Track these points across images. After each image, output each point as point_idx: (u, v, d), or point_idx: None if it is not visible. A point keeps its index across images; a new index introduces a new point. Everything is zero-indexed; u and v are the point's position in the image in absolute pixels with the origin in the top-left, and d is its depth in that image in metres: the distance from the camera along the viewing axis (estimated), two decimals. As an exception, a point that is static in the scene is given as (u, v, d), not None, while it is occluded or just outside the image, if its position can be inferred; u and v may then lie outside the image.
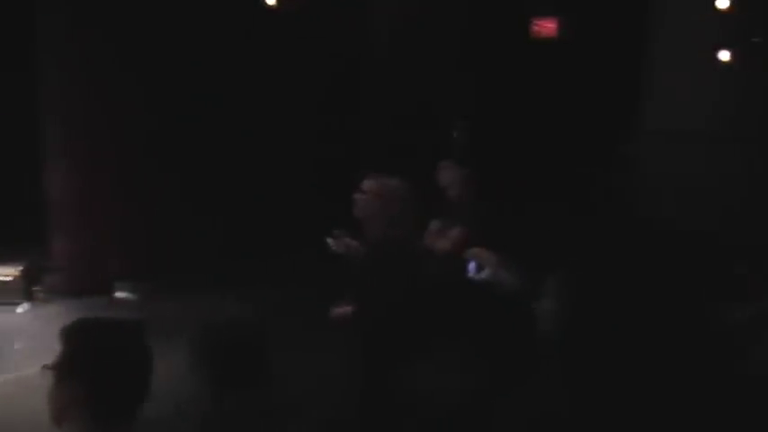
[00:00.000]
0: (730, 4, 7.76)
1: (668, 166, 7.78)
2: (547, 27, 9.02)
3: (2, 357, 5.60)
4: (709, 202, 7.02)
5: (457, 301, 3.36)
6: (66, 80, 6.98)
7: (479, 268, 3.51)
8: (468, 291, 3.37)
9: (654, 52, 8.51)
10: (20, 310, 6.75)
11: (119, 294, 7.01)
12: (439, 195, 6.21)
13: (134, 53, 6.99)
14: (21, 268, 6.91)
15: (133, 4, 6.96)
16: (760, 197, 5.87)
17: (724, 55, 7.89)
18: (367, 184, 3.65)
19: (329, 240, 3.97)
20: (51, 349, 2.09)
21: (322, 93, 8.23)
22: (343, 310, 3.73)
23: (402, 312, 3.42)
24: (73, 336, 2.09)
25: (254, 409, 2.57)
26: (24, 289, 6.87)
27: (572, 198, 7.15)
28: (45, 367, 2.07)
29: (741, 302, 4.09)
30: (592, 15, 8.54)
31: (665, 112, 8.19)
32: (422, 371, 3.44)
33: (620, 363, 3.17)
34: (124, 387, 2.07)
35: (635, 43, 8.61)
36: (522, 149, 8.14)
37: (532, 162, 8.04)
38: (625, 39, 8.57)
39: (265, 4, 7.56)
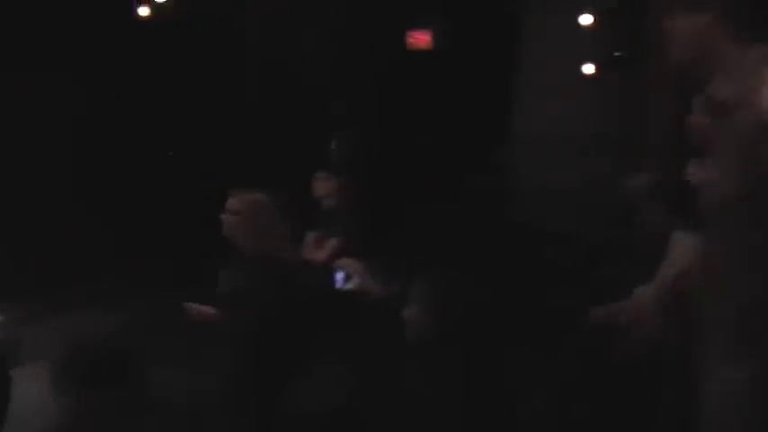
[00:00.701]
0: (594, 21, 8.11)
1: (538, 172, 8.07)
2: (421, 39, 9.20)
3: None
4: (576, 204, 7.32)
5: (324, 313, 3.42)
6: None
7: (347, 278, 3.58)
8: (334, 302, 3.43)
9: (525, 64, 8.81)
10: None
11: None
12: (315, 206, 6.27)
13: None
14: None
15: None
16: (622, 199, 6.16)
17: (589, 68, 8.23)
18: (230, 202, 3.68)
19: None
20: None
21: (199, 102, 8.18)
22: (204, 309, 3.69)
23: (273, 325, 3.45)
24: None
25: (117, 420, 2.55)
26: None
27: (446, 204, 7.32)
28: None
29: (606, 302, 4.28)
30: (465, 28, 8.77)
31: (535, 120, 8.50)
32: (295, 380, 3.49)
33: (484, 365, 3.29)
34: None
35: (507, 55, 8.89)
36: (401, 158, 8.28)
37: (410, 170, 8.18)
38: (497, 51, 8.84)
39: (138, 15, 7.48)
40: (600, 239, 5.93)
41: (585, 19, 8.23)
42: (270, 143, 8.27)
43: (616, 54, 7.94)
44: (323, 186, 6.20)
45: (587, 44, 8.07)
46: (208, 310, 3.66)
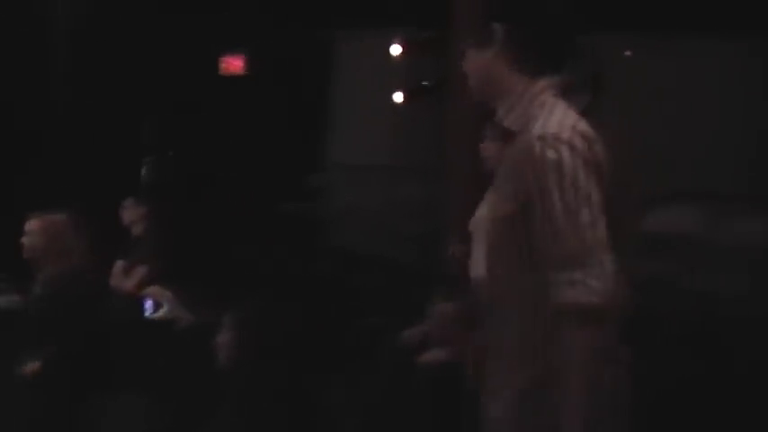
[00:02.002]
0: (403, 51, 8.40)
1: (351, 197, 8.23)
2: (234, 64, 9.18)
3: None
4: (388, 229, 7.53)
5: (130, 342, 3.35)
6: None
7: (157, 306, 3.52)
8: (143, 331, 3.37)
9: (337, 91, 8.98)
10: None
11: None
12: (124, 233, 6.12)
13: None
14: None
15: None
16: (433, 224, 6.41)
17: (398, 96, 8.50)
18: (29, 224, 3.59)
19: None
20: None
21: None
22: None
23: (79, 352, 3.35)
24: None
25: None
26: None
27: (260, 230, 7.32)
28: None
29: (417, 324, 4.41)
30: (279, 54, 8.84)
31: (347, 146, 8.68)
32: (105, 409, 3.39)
33: (294, 389, 3.33)
34: None
35: (320, 82, 9.03)
36: (212, 184, 8.20)
37: (223, 196, 8.12)
38: (311, 77, 8.96)
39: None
40: (409, 262, 6.14)
41: (395, 49, 8.51)
42: (78, 166, 7.94)
43: (424, 83, 8.24)
44: (131, 213, 6.06)
45: (397, 73, 8.34)
46: None
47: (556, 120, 1.99)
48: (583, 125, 2.02)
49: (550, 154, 1.94)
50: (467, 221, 4.28)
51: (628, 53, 7.79)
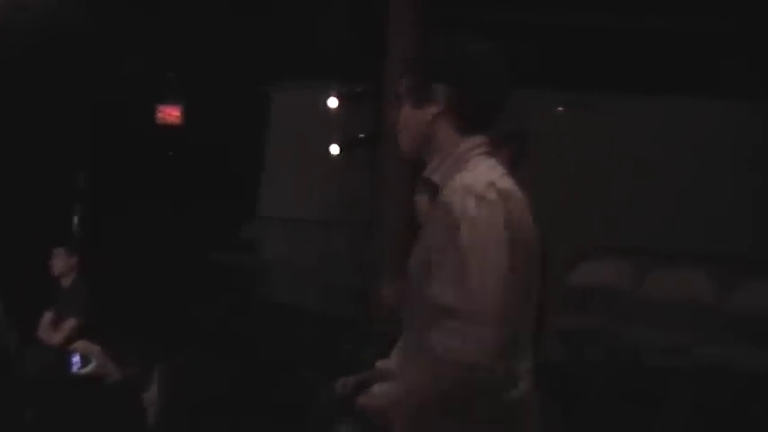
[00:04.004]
0: (340, 104, 8.49)
1: (283, 251, 8.22)
2: (171, 114, 9.16)
3: None
4: (318, 282, 7.52)
5: (58, 398, 3.28)
6: None
7: (84, 361, 3.46)
8: (69, 387, 3.31)
9: (273, 142, 9.02)
10: None
11: None
12: (53, 284, 6.00)
13: None
14: None
15: None
16: (366, 278, 6.43)
17: (334, 149, 8.57)
18: None
19: None
20: None
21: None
22: None
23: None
24: None
25: None
26: None
27: (189, 282, 7.25)
28: None
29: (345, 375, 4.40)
30: (216, 105, 8.85)
31: (280, 199, 8.69)
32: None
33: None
34: None
35: (255, 134, 9.06)
36: (144, 234, 8.11)
37: (155, 247, 8.04)
38: (246, 130, 8.99)
39: None
40: (342, 315, 6.14)
41: (332, 101, 8.60)
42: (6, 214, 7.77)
43: (359, 135, 8.32)
44: (61, 263, 5.94)
45: (332, 125, 8.42)
46: None
47: (473, 175, 2.00)
48: (504, 182, 2.02)
49: (457, 205, 1.94)
50: (399, 275, 4.32)
51: (560, 109, 8.00)
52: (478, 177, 1.99)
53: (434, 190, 2.09)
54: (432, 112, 2.06)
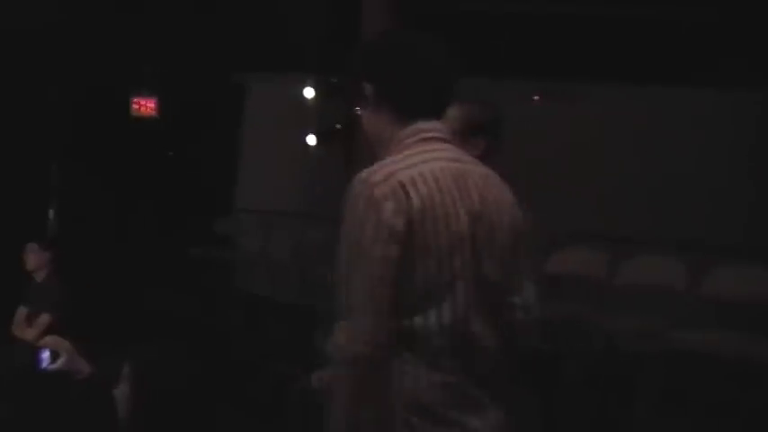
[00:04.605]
0: (315, 96, 8.48)
1: (259, 243, 8.21)
2: (147, 106, 9.12)
3: None
4: (294, 276, 7.52)
5: (28, 395, 3.27)
6: None
7: (54, 357, 3.44)
8: (39, 383, 3.29)
9: (249, 135, 9.00)
10: None
11: None
12: (27, 280, 5.98)
13: None
14: None
15: None
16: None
17: (311, 139, 8.56)
18: None
19: None
20: None
21: None
22: None
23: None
24: None
25: None
26: None
27: (165, 276, 7.24)
28: None
29: (319, 370, 4.41)
30: (191, 98, 8.82)
31: (257, 192, 8.68)
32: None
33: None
34: None
35: (232, 125, 9.04)
36: (119, 228, 8.08)
37: (130, 241, 8.01)
38: (223, 121, 8.97)
39: None
40: (317, 308, 6.15)
41: (308, 92, 8.59)
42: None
43: (336, 126, 8.32)
44: (35, 259, 5.92)
45: (308, 117, 8.41)
46: None
47: (377, 165, 1.99)
48: (418, 171, 1.97)
49: (349, 198, 1.95)
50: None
51: (536, 98, 8.03)
52: (380, 168, 1.98)
53: None
54: (371, 110, 2.09)
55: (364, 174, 1.97)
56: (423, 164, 2.00)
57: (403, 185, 1.95)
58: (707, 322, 5.46)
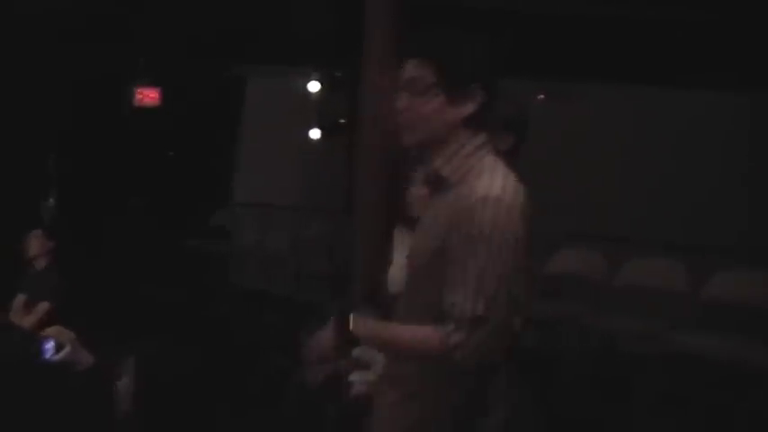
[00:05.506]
0: (321, 88, 8.46)
1: (256, 237, 8.21)
2: (149, 96, 9.11)
3: None
4: (289, 269, 7.53)
5: (29, 385, 3.26)
6: None
7: (58, 347, 3.43)
8: (41, 373, 3.28)
9: (250, 127, 8.98)
10: None
11: None
12: (28, 266, 5.97)
13: None
14: None
15: None
16: (339, 266, 6.43)
17: (315, 133, 8.55)
18: None
19: None
20: None
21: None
22: None
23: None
24: None
25: None
26: None
27: (165, 267, 7.23)
28: None
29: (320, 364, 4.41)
30: (194, 89, 8.81)
31: (254, 185, 8.67)
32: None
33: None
34: None
35: (233, 118, 9.03)
36: (119, 220, 8.07)
37: (127, 231, 8.00)
38: (224, 113, 8.96)
39: None
40: (313, 301, 6.16)
41: (312, 86, 8.57)
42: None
43: (340, 120, 8.30)
44: (38, 245, 5.91)
45: (311, 111, 8.39)
46: None
47: (496, 182, 2.03)
48: (517, 183, 2.07)
49: (488, 216, 1.98)
50: (373, 261, 4.31)
51: (541, 96, 8.02)
52: (504, 185, 2.04)
53: (441, 184, 2.10)
54: (441, 102, 2.05)
55: (494, 191, 2.01)
56: (516, 183, 2.08)
57: (523, 202, 2.05)
58: (706, 325, 5.47)
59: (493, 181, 2.03)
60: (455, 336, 1.97)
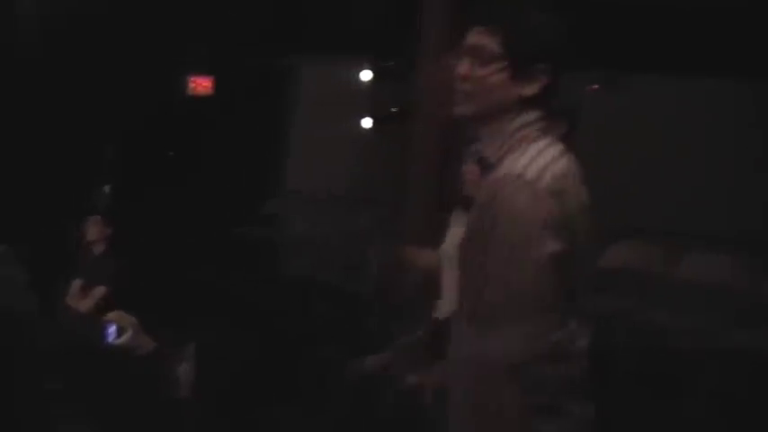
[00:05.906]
0: (373, 77, 8.43)
1: (305, 226, 8.23)
2: (203, 85, 9.18)
3: None
4: (339, 259, 7.53)
5: (94, 368, 3.32)
6: None
7: (120, 332, 3.49)
8: (105, 357, 3.34)
9: (302, 116, 9.01)
10: None
11: None
12: (84, 251, 6.07)
13: None
14: None
15: None
16: (389, 255, 6.43)
17: (366, 122, 8.52)
18: None
19: None
20: None
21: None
22: None
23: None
24: None
25: None
26: None
27: (216, 255, 7.29)
28: None
29: (368, 353, 4.41)
30: (247, 78, 8.85)
31: (307, 172, 8.69)
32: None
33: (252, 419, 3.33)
34: None
35: (286, 106, 9.06)
36: (172, 206, 8.15)
37: (182, 220, 8.07)
38: (276, 101, 8.99)
39: None
40: (365, 293, 6.16)
41: (365, 75, 8.54)
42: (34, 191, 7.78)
43: (392, 110, 8.24)
44: (97, 231, 6.01)
45: (365, 99, 8.37)
46: None
47: (526, 159, 1.92)
48: (559, 166, 1.95)
49: (503, 194, 1.88)
50: (423, 251, 4.30)
51: (594, 87, 7.88)
52: (530, 163, 1.91)
53: (486, 163, 2.01)
54: (502, 70, 1.93)
55: (517, 168, 1.90)
56: (555, 160, 1.97)
57: (556, 180, 1.93)
58: (762, 322, 5.38)
59: (518, 159, 1.93)
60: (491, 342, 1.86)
